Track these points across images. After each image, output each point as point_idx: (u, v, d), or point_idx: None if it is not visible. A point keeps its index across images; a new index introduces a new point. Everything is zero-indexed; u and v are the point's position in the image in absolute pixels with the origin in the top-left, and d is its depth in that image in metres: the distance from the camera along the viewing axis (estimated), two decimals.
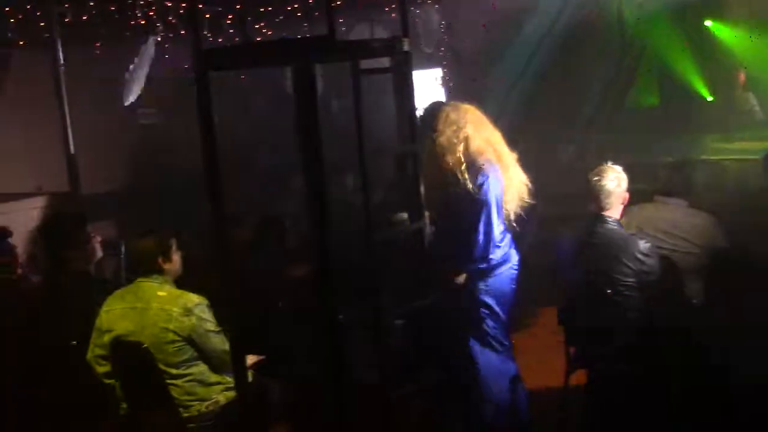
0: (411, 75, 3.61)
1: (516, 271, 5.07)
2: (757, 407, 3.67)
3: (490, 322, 4.96)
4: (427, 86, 12.16)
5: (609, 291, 4.86)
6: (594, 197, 4.99)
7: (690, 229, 5.29)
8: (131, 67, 9.52)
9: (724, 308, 3.93)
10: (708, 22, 12.11)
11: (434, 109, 5.04)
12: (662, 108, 12.47)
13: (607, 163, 5.07)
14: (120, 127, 10.71)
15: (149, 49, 9.56)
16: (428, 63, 11.97)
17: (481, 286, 4.91)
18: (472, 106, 4.93)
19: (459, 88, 11.90)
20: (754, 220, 5.69)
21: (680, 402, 4.05)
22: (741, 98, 12.29)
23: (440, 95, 12.20)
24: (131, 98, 9.85)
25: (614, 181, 4.97)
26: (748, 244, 4.91)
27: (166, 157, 10.73)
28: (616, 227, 4.98)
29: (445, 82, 12.27)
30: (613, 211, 5.01)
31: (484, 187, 4.72)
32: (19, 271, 5.54)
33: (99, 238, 5.16)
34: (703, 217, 5.42)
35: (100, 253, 5.16)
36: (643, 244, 4.86)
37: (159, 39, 9.40)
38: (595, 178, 4.98)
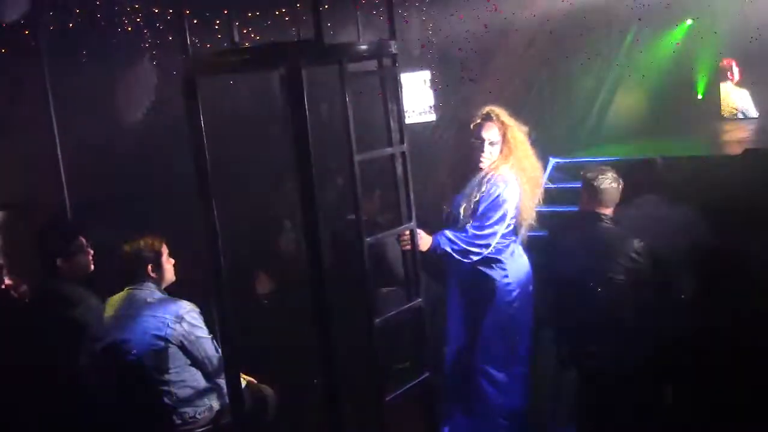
0: (399, 77, 3.61)
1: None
2: (746, 402, 3.68)
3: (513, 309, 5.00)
4: (416, 88, 12.16)
5: (600, 289, 4.88)
6: (590, 195, 5.03)
7: (673, 226, 5.33)
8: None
9: (713, 303, 3.95)
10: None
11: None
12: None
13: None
14: (109, 135, 10.66)
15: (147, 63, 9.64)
16: (416, 65, 11.97)
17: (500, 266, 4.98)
18: None
19: (447, 90, 11.93)
20: (734, 215, 5.74)
21: (670, 400, 4.06)
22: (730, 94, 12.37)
23: (429, 97, 12.21)
24: (137, 113, 9.94)
25: (610, 179, 5.02)
26: (729, 238, 4.96)
27: (159, 163, 10.70)
28: (611, 225, 5.02)
29: (434, 84, 12.28)
30: (608, 210, 5.05)
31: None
32: (8, 281, 5.51)
33: (92, 251, 5.14)
34: (684, 212, 5.46)
35: (92, 266, 5.14)
36: (637, 243, 4.90)
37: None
38: (593, 177, 5.03)
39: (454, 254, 4.80)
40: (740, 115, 12.43)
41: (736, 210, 5.63)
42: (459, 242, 4.79)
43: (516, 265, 5.01)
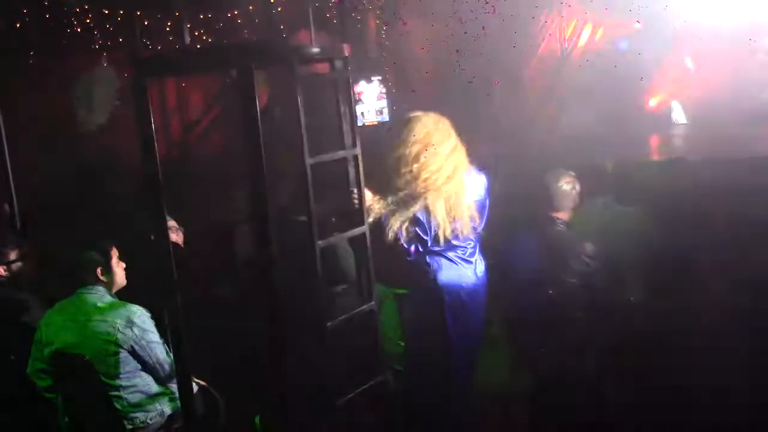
0: (350, 80, 3.62)
1: (479, 280, 4.97)
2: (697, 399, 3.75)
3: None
4: (371, 91, 12.22)
5: (551, 292, 4.92)
6: (547, 199, 5.07)
7: (623, 227, 5.41)
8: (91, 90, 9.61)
9: (659, 304, 4.02)
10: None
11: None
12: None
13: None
14: (60, 137, 10.54)
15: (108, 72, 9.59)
16: (370, 69, 12.00)
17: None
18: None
19: (399, 93, 11.99)
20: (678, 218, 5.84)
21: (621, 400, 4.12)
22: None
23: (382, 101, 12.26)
24: (102, 118, 9.90)
25: (569, 183, 5.07)
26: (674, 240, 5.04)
27: (107, 167, 10.60)
28: (565, 229, 5.06)
29: (387, 87, 12.32)
30: (564, 214, 5.10)
31: None
32: None
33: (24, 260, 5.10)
34: (632, 213, 5.55)
35: (36, 272, 5.10)
36: (590, 247, 4.94)
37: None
38: (553, 180, 5.07)
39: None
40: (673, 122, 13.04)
41: (680, 213, 5.73)
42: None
43: (446, 273, 4.74)
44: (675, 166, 6.60)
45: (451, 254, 4.64)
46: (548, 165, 5.30)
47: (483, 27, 11.16)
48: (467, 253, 4.66)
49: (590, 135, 11.28)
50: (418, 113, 4.66)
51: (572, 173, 5.17)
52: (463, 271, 4.64)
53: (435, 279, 4.64)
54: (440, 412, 4.82)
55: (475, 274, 4.67)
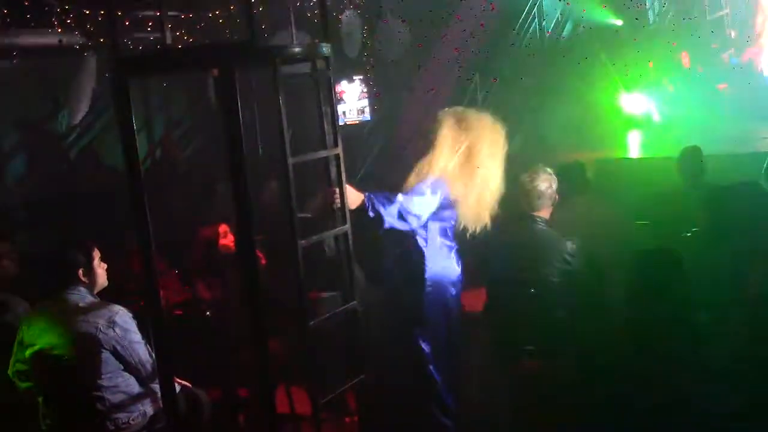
0: (332, 79, 3.62)
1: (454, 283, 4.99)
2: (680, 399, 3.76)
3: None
4: (352, 91, 12.28)
5: (533, 290, 4.94)
6: (525, 198, 5.08)
7: (601, 226, 5.43)
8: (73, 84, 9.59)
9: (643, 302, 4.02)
10: None
11: None
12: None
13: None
14: (38, 138, 10.51)
15: (90, 64, 9.55)
16: (352, 69, 12.04)
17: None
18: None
19: (382, 93, 12.03)
20: (669, 216, 5.86)
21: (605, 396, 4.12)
22: None
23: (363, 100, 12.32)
24: (79, 116, 9.87)
25: (546, 182, 5.08)
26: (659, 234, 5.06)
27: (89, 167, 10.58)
28: (545, 228, 5.08)
29: (369, 87, 12.36)
30: (544, 212, 5.11)
31: None
32: None
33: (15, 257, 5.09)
34: (610, 213, 5.57)
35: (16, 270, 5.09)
36: (570, 245, 4.96)
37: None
38: (528, 180, 5.08)
39: (383, 214, 4.59)
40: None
41: (665, 209, 5.75)
42: (388, 203, 4.62)
43: (436, 263, 4.87)
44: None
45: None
46: (530, 162, 5.31)
47: (482, 24, 11.25)
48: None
49: (572, 132, 11.39)
50: (462, 109, 4.85)
51: (549, 171, 5.17)
52: (451, 264, 4.75)
53: (422, 269, 4.75)
54: (418, 411, 4.85)
55: (457, 267, 4.79)
